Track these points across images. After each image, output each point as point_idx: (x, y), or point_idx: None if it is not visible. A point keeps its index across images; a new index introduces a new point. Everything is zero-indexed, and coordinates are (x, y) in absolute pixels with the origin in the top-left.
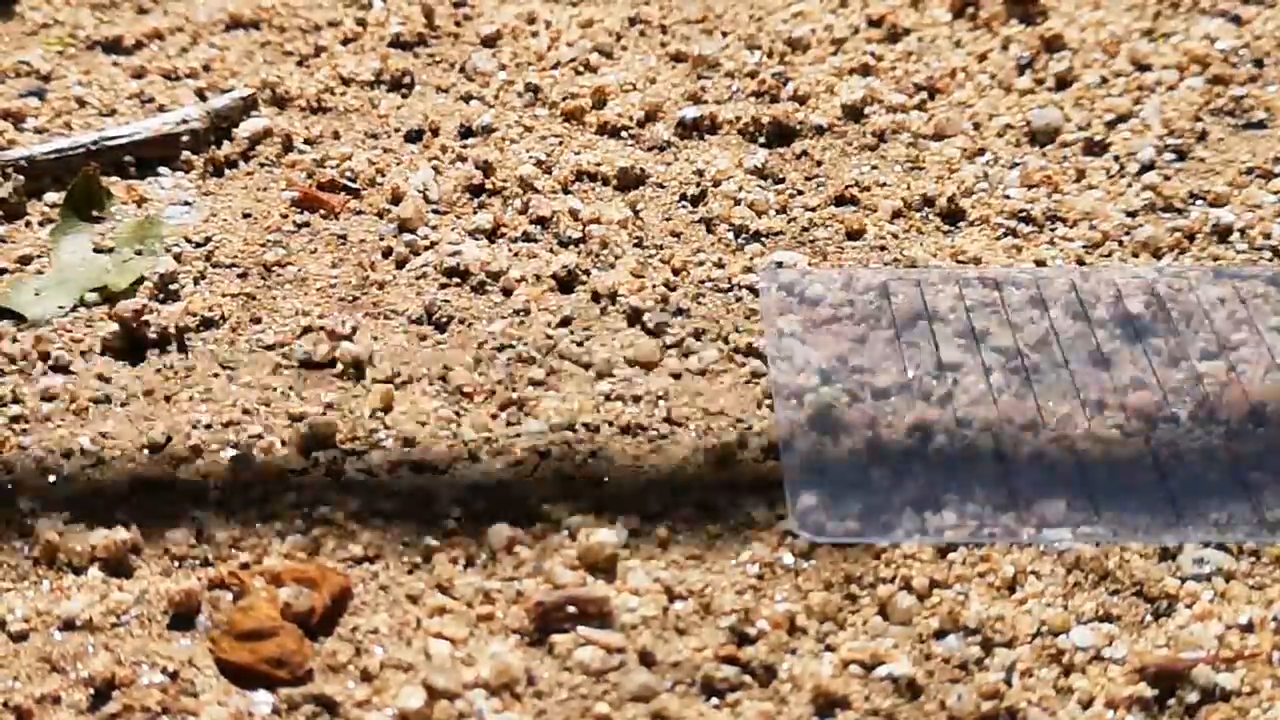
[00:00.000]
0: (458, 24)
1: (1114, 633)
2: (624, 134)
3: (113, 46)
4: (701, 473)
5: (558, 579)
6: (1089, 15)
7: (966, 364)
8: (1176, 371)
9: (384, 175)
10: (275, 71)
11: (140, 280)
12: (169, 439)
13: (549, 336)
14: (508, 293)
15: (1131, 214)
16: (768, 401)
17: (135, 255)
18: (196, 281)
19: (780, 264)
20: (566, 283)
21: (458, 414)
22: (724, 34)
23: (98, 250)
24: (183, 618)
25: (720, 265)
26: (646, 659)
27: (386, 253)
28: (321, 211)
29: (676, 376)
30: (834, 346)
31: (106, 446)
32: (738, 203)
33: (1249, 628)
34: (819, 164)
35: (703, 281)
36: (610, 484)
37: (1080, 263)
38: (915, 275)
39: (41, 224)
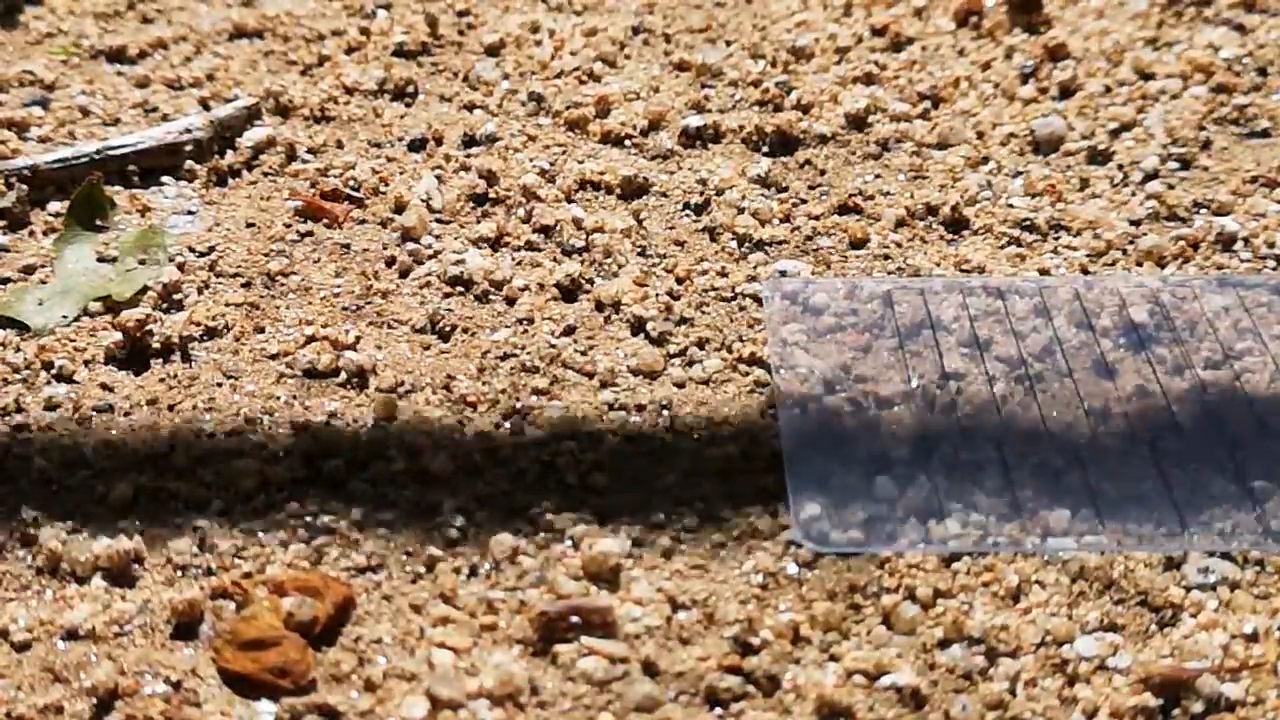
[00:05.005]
0: (461, 33)
1: (1118, 642)
2: (627, 143)
3: (116, 56)
4: (705, 482)
5: (561, 589)
6: (1092, 24)
7: (970, 373)
8: (1181, 380)
9: (387, 184)
10: (279, 81)
11: (144, 290)
12: (172, 448)
13: (552, 345)
14: (511, 302)
15: (1135, 223)
16: (771, 411)
17: (139, 265)
18: (200, 291)
19: (784, 273)
20: (570, 292)
21: (461, 423)
22: (727, 43)
23: (101, 259)
24: (186, 627)
25: (724, 274)
26: (650, 669)
27: (390, 262)
28: (325, 221)
29: (680, 386)
30: (837, 355)
31: (109, 456)
32: (741, 212)
33: (1254, 637)
34: (822, 173)
35: (706, 290)
36: (613, 493)
37: (1084, 272)
38: (919, 284)
39: (45, 233)
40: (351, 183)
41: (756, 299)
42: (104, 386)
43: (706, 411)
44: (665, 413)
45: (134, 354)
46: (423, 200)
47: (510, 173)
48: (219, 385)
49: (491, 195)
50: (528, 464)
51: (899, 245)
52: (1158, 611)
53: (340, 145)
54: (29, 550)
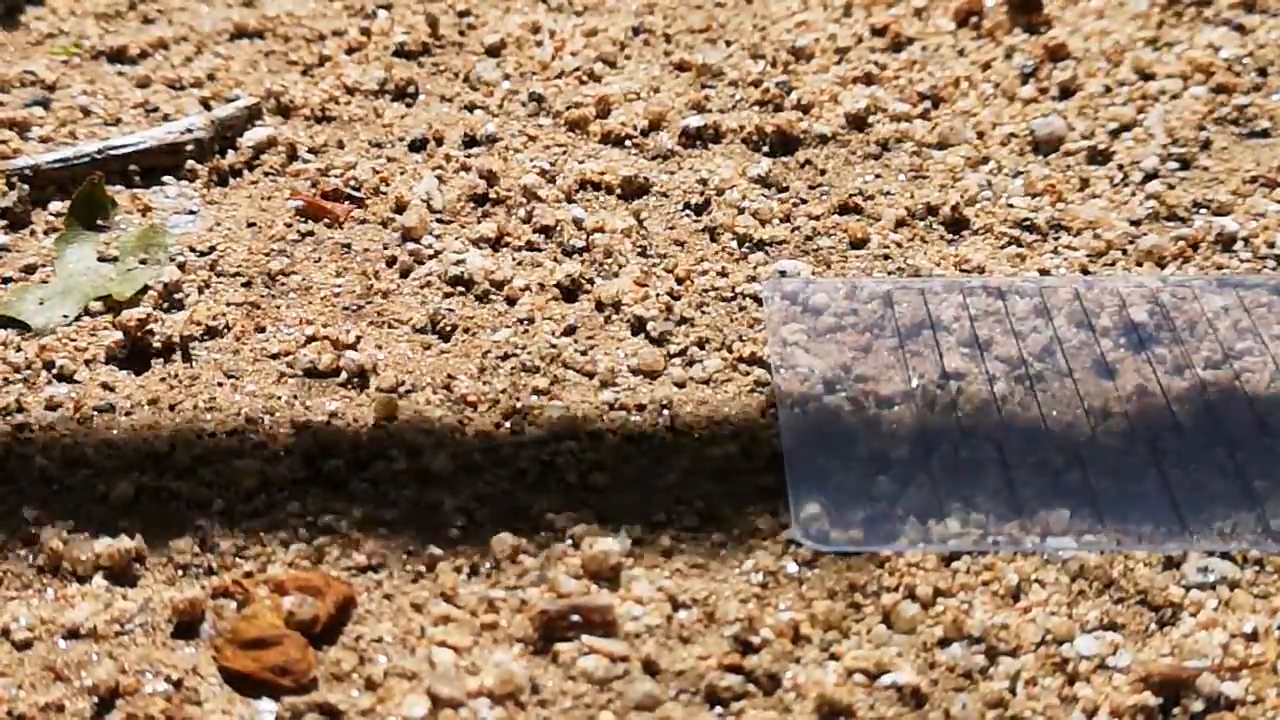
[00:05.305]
0: (462, 33)
1: (1118, 641)
2: (628, 143)
3: (118, 56)
4: (705, 482)
5: (561, 588)
6: (1092, 24)
7: (970, 373)
8: (1181, 380)
9: (388, 184)
10: (279, 81)
11: (145, 289)
12: (173, 448)
13: (553, 345)
14: (511, 302)
15: (1135, 223)
16: (771, 410)
17: (140, 264)
18: (201, 290)
19: (784, 273)
20: (570, 292)
21: (461, 423)
22: (727, 43)
23: (102, 259)
24: (187, 626)
25: (724, 274)
26: (650, 668)
27: (390, 262)
28: (326, 220)
29: (680, 385)
30: (838, 355)
31: (110, 455)
32: (741, 212)
33: (1253, 637)
34: (822, 173)
35: (706, 290)
36: (614, 493)
37: (1084, 272)
38: (919, 284)
39: (46, 233)
40: (352, 183)
41: (757, 299)
42: (105, 386)
43: (707, 411)
44: (665, 412)
45: (135, 353)
46: (423, 200)
47: (511, 173)
48: (220, 385)
49: (492, 195)
50: (528, 463)
51: (899, 245)
52: (1157, 611)
53: (341, 145)
54: (30, 549)
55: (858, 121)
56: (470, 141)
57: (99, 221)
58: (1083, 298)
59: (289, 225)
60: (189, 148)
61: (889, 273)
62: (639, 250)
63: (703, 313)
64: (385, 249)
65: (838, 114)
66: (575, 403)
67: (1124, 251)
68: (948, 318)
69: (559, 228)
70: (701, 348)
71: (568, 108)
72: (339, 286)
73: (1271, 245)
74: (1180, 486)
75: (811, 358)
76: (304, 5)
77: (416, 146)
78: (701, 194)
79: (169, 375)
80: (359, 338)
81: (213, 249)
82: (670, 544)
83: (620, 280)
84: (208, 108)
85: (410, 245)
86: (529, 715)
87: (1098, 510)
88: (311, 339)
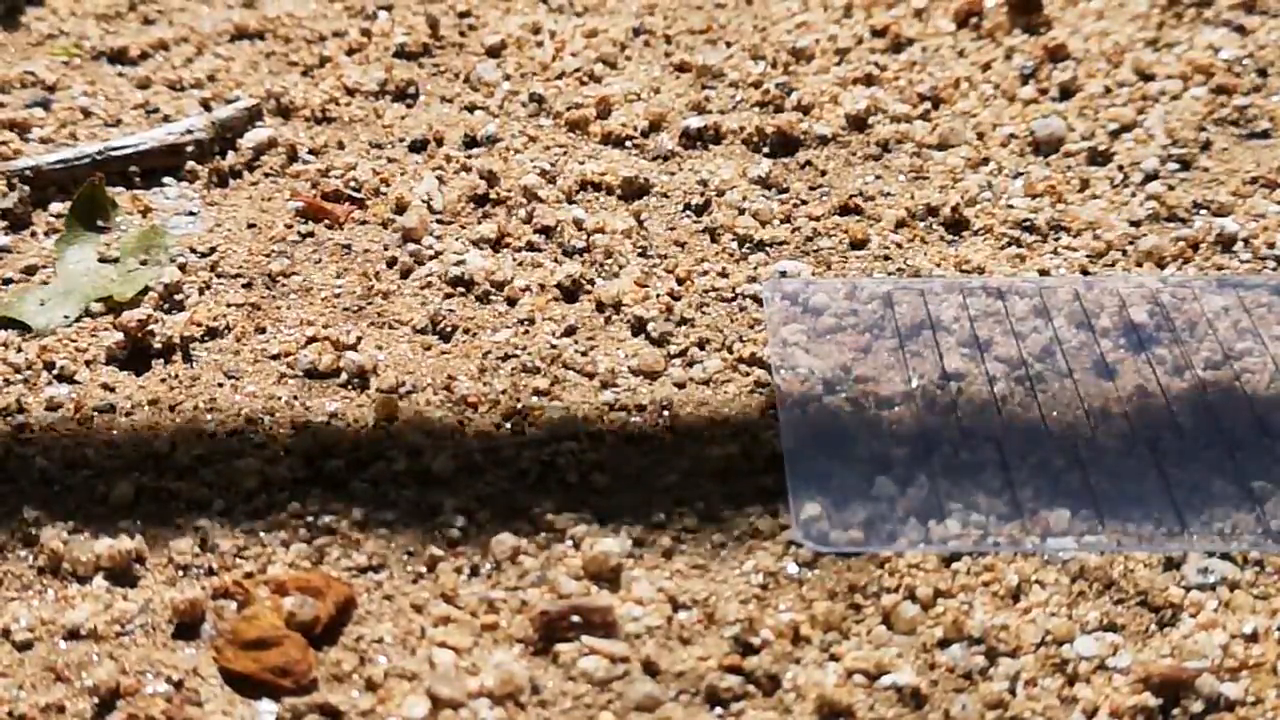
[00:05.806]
0: (462, 34)
1: (1118, 642)
2: (628, 144)
3: (118, 57)
4: (705, 482)
5: (562, 588)
6: (1092, 25)
7: (970, 373)
8: (1181, 381)
9: (388, 185)
10: (280, 82)
11: (145, 290)
12: (173, 448)
13: (553, 346)
14: (512, 302)
15: (1135, 224)
16: (771, 411)
17: (140, 265)
18: (201, 291)
19: (784, 273)
20: (570, 292)
21: (462, 423)
22: (728, 44)
23: (103, 260)
24: (187, 627)
25: (724, 275)
26: (651, 668)
27: (391, 263)
28: (326, 221)
29: (680, 386)
30: (838, 356)
31: (110, 456)
32: (742, 212)
33: (1253, 638)
34: (823, 174)
35: (706, 291)
36: (614, 493)
37: (1084, 272)
38: (919, 285)
39: (47, 234)
40: (352, 184)
41: (757, 299)
42: (105, 387)
43: (707, 412)
44: (666, 413)
45: (135, 354)
46: (424, 201)
47: (511, 173)
48: (220, 385)
49: (492, 196)
50: (528, 464)
51: (899, 246)
52: (1157, 611)
53: (341, 146)
54: (31, 550)
55: (858, 122)
56: (471, 142)
57: (99, 222)
58: (1082, 298)
59: (289, 226)
60: (189, 149)
61: (889, 273)
62: (639, 251)
63: (703, 313)
64: (386, 250)
65: (838, 115)
66: (575, 403)
67: (1124, 252)
68: (948, 318)
69: (559, 228)
70: (702, 348)
71: (568, 108)
72: (339, 287)
73: (1271, 246)
74: (1180, 486)
75: (811, 358)
76: (304, 6)
77: (417, 147)
78: (702, 195)
79: (169, 376)
80: (359, 338)
81: (213, 250)
82: (670, 544)
83: (620, 281)
84: (208, 109)
85: (411, 246)
86: (529, 716)
87: (1098, 511)
88: (312, 340)
